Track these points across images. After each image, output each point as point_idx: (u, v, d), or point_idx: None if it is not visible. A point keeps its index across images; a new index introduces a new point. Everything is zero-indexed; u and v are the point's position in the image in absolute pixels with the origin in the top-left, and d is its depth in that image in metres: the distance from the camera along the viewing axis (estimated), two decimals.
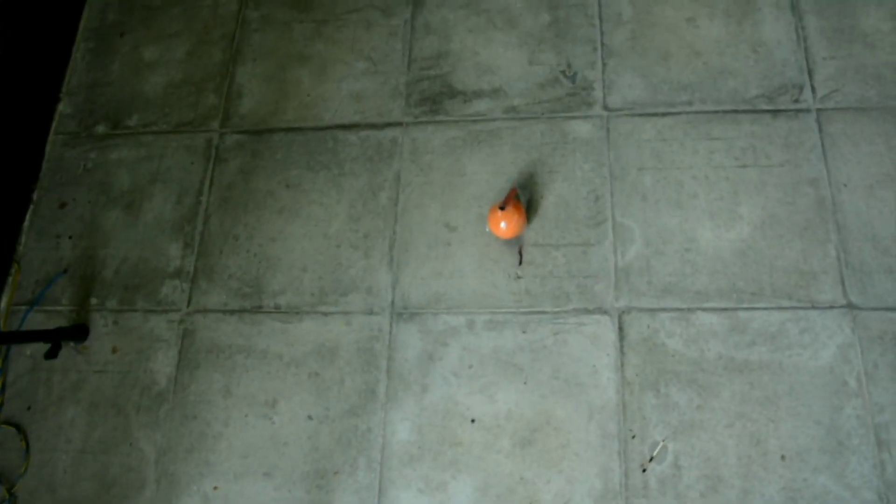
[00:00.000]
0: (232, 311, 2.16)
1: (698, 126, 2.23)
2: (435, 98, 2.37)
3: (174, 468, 2.02)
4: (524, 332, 2.04)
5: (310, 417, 2.01)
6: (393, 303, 2.11)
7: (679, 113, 2.26)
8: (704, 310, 2.02)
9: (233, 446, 2.02)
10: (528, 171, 2.23)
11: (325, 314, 2.12)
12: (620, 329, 2.02)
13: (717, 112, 2.25)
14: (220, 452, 2.02)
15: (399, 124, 2.34)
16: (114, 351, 2.16)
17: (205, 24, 2.56)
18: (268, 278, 2.18)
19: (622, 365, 1.98)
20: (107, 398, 2.11)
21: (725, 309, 2.01)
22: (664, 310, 2.03)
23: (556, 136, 2.27)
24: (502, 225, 2.07)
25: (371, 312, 2.11)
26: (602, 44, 2.38)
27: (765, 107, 2.23)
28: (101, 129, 2.45)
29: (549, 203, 2.18)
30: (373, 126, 2.35)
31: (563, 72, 2.35)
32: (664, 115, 2.26)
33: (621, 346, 2.00)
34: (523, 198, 2.15)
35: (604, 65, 2.35)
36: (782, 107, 2.23)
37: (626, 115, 2.27)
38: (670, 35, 2.36)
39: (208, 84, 2.49)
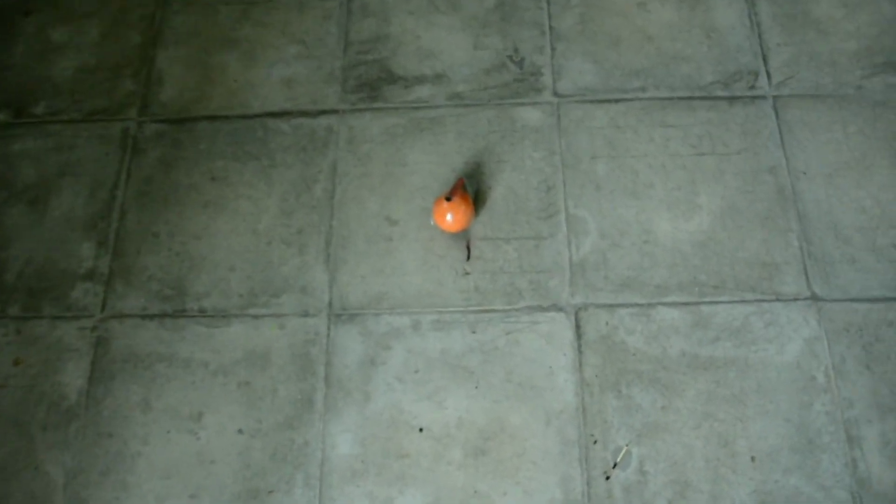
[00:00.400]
0: (152, 316, 1.92)
1: (652, 113, 2.10)
2: (373, 84, 2.18)
3: (86, 493, 1.77)
4: (474, 332, 1.86)
5: (240, 431, 1.79)
6: (330, 303, 1.91)
7: (632, 99, 2.12)
8: (665, 304, 1.87)
9: (154, 466, 1.78)
10: (475, 160, 2.06)
11: (256, 317, 1.90)
12: (577, 327, 1.85)
13: (671, 98, 2.12)
14: (139, 474, 1.77)
15: (335, 111, 2.14)
16: (16, 363, 1.89)
17: (121, 5, 2.32)
18: (191, 279, 1.95)
19: (580, 365, 1.82)
20: (7, 417, 1.84)
21: (687, 303, 1.87)
22: (623, 305, 1.87)
23: (505, 123, 2.10)
24: (448, 217, 1.89)
25: (306, 314, 1.90)
26: (550, 27, 2.23)
27: (720, 93, 2.11)
28: (1, 117, 2.19)
29: (497, 194, 2.01)
30: (306, 114, 2.15)
31: (510, 57, 2.19)
32: (617, 101, 2.12)
33: (579, 346, 1.83)
34: (470, 189, 1.98)
35: (552, 49, 2.20)
36: (738, 93, 2.11)
37: (577, 102, 2.12)
38: (621, 19, 2.23)
39: (125, 69, 2.24)
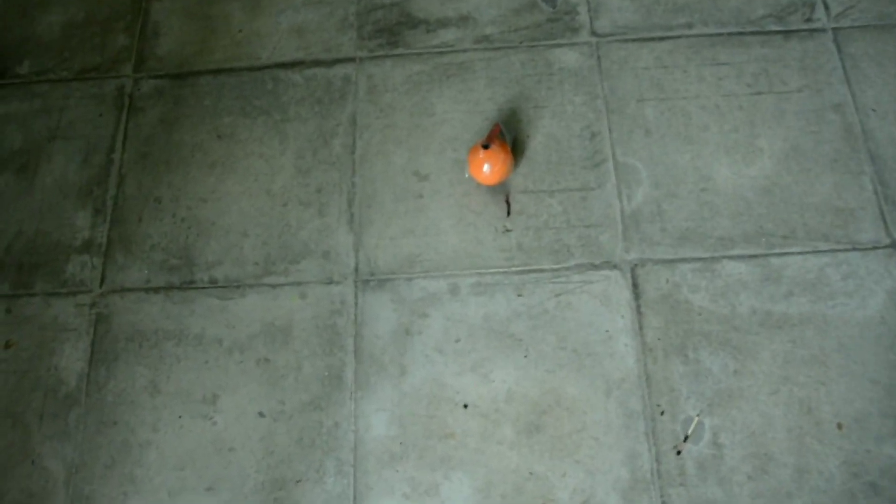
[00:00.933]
0: (157, 289, 1.69)
1: (702, 51, 1.86)
2: (392, 29, 1.94)
3: (90, 489, 1.54)
4: (519, 295, 1.63)
5: (261, 414, 1.56)
6: (357, 269, 1.68)
7: (678, 37, 1.88)
8: (731, 258, 1.64)
9: (165, 456, 1.55)
10: (510, 107, 1.83)
11: (274, 286, 1.67)
12: (635, 285, 1.63)
13: (721, 35, 1.88)
14: (148, 465, 1.55)
15: (351, 60, 1.91)
16: (7, 346, 1.66)
17: None
18: (199, 247, 1.72)
19: (641, 328, 1.59)
20: (0, 406, 1.61)
21: (755, 256, 1.64)
22: (684, 260, 1.65)
23: (540, 66, 1.87)
24: (486, 168, 1.66)
25: (330, 282, 1.67)
26: None
27: (774, 27, 1.88)
28: None
29: (537, 143, 1.78)
30: (320, 63, 1.91)
31: None
32: (661, 39, 1.88)
33: (637, 306, 1.61)
34: (508, 136, 1.75)
35: None
36: (794, 27, 1.87)
37: (619, 41, 1.89)
38: None
39: (117, 23, 2.00)
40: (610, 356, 1.57)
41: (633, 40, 1.88)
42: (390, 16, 1.95)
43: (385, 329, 1.62)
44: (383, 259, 1.68)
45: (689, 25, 1.90)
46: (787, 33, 1.87)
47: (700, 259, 1.64)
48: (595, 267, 1.65)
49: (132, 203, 1.77)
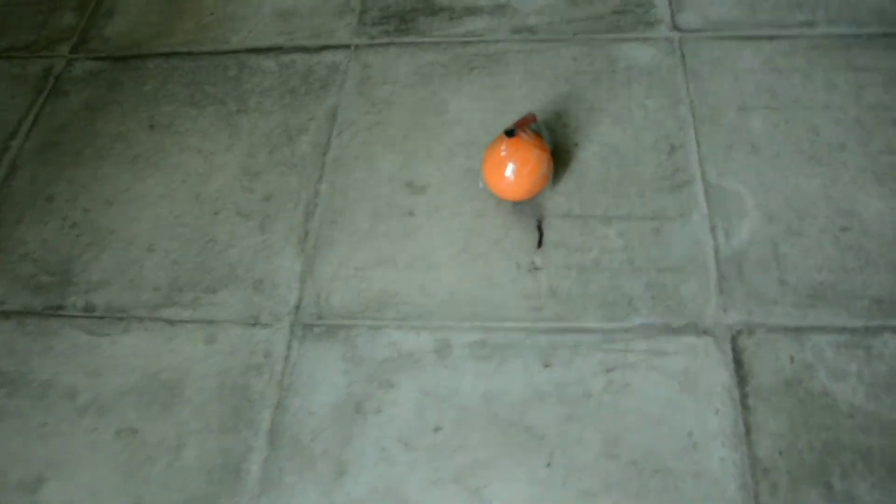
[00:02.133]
0: (7, 314, 1.09)
1: (831, 53, 1.27)
2: (404, 16, 1.41)
3: None
4: (547, 366, 0.98)
5: None
6: (299, 307, 1.06)
7: (796, 37, 1.30)
8: (894, 330, 0.97)
9: None
10: (553, 108, 1.24)
11: (172, 322, 1.06)
12: (738, 364, 0.96)
13: (858, 36, 1.29)
14: None
15: (345, 47, 1.37)
16: None
17: None
18: (85, 261, 1.14)
19: (748, 433, 0.91)
20: None
21: None
22: (819, 329, 0.98)
23: (598, 62, 1.30)
24: (509, 172, 1.06)
25: (256, 323, 1.05)
26: None
27: None
28: None
29: (589, 154, 1.18)
30: (303, 49, 1.38)
31: None
32: (771, 38, 1.30)
33: (743, 396, 0.93)
34: (546, 134, 1.15)
35: None
36: None
37: (711, 38, 1.31)
38: None
39: (69, 2, 1.55)
40: (695, 477, 0.88)
41: (732, 38, 1.31)
42: (405, 1, 1.44)
43: (325, 401, 0.97)
44: (341, 296, 1.06)
45: (811, 24, 1.31)
46: None
47: (847, 329, 0.97)
48: (672, 331, 0.99)
49: (17, 200, 1.22)
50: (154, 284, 1.10)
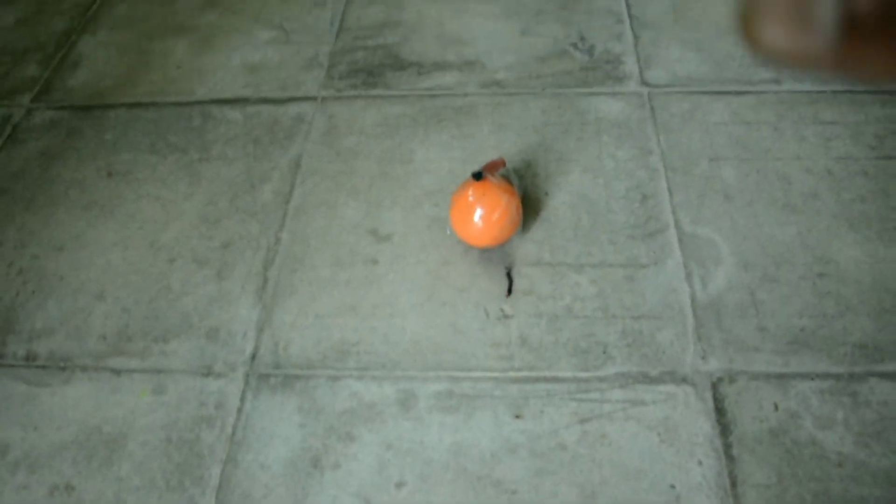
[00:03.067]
0: None
1: (798, 108, 1.27)
2: (372, 70, 1.40)
3: None
4: (518, 416, 0.91)
5: None
6: (255, 356, 0.99)
7: (764, 92, 1.30)
8: (882, 376, 0.93)
9: None
10: (523, 157, 1.22)
11: (119, 372, 0.98)
12: (719, 412, 0.90)
13: (823, 92, 1.30)
14: None
15: (311, 99, 1.35)
16: None
17: None
18: (30, 309, 1.06)
19: (734, 485, 0.84)
20: None
21: None
22: (803, 376, 0.93)
23: (568, 115, 1.28)
24: (477, 216, 1.02)
25: (209, 373, 0.98)
26: (630, 16, 1.48)
27: None
28: None
29: (559, 203, 1.15)
30: (269, 101, 1.36)
31: (573, 44, 1.42)
32: (740, 93, 1.31)
33: (726, 447, 0.87)
34: (515, 181, 1.12)
35: (636, 37, 1.43)
36: None
37: (680, 93, 1.31)
38: (726, 8, 1.48)
39: (34, 54, 1.51)
40: None
41: (700, 93, 1.31)
42: (374, 57, 1.42)
43: (279, 455, 0.89)
44: (299, 345, 1.00)
45: (777, 81, 1.32)
46: None
47: (831, 375, 0.92)
48: (650, 380, 0.93)
49: None
50: (101, 333, 1.03)
